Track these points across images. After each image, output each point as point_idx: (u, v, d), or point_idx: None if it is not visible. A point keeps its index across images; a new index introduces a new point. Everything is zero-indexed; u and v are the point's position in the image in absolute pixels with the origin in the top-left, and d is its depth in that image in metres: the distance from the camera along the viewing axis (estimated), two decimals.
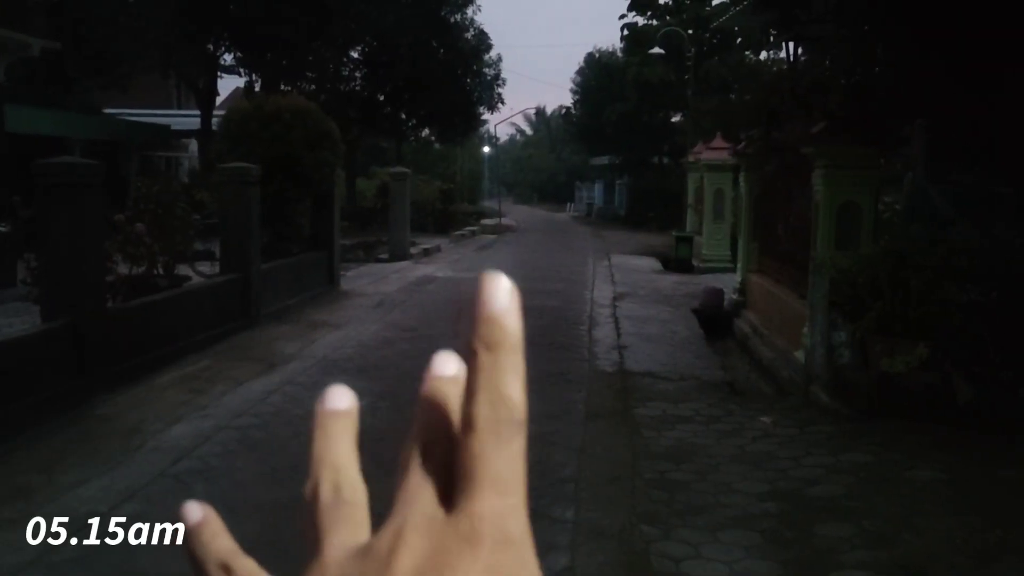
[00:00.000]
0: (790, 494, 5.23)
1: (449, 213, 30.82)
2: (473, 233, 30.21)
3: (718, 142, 19.88)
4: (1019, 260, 6.95)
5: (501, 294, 0.37)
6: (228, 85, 27.69)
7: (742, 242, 13.18)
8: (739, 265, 13.23)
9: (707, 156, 20.29)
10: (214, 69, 23.61)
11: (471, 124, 35.29)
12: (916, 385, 6.70)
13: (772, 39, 22.08)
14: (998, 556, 4.30)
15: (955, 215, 7.96)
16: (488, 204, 50.31)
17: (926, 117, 8.51)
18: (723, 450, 6.10)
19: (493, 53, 33.70)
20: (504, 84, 33.90)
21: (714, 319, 12.50)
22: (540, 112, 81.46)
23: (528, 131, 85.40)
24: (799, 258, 8.97)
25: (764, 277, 11.32)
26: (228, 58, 24.13)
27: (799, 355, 8.14)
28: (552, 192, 68.68)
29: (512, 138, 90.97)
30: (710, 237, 20.12)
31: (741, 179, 13.62)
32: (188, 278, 10.40)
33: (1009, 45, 7.57)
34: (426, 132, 35.52)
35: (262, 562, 0.41)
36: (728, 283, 13.96)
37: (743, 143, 13.39)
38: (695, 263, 19.58)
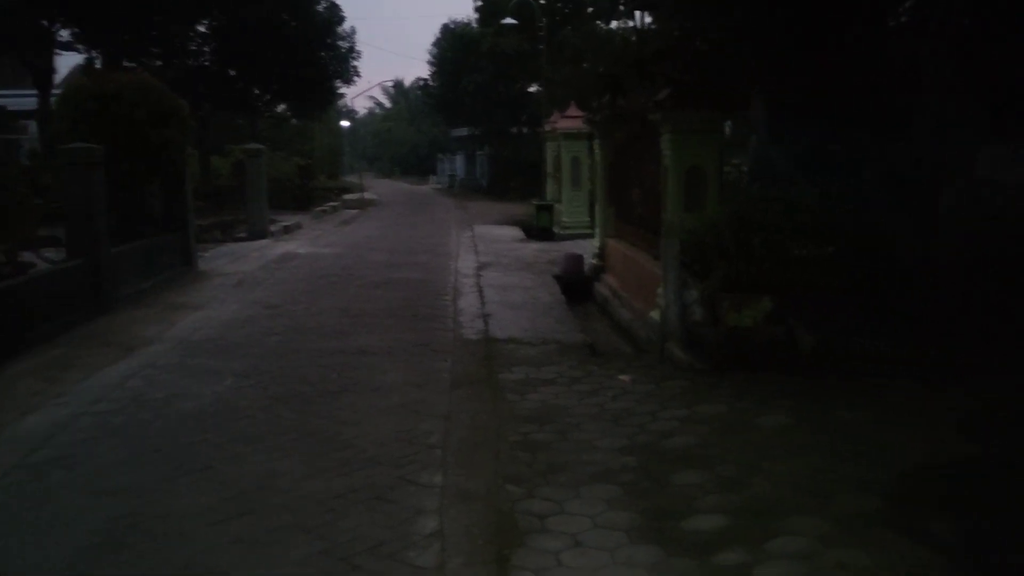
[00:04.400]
0: (648, 447, 5.45)
1: (308, 189, 30.32)
2: (335, 209, 29.82)
3: (573, 111, 20.22)
4: (852, 216, 7.38)
5: None
6: (69, 62, 26.35)
7: (599, 208, 13.49)
8: (597, 231, 13.54)
9: (563, 125, 20.61)
10: (50, 45, 22.40)
11: (327, 98, 34.68)
12: (762, 337, 7.06)
13: (622, 8, 22.51)
14: (838, 492, 4.59)
15: (795, 174, 8.36)
16: (349, 179, 49.65)
17: (765, 82, 8.87)
18: (584, 409, 6.30)
19: (347, 25, 33.18)
20: (359, 57, 33.42)
21: (575, 284, 12.79)
22: (398, 85, 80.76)
23: (387, 104, 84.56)
24: (652, 222, 9.27)
25: (621, 242, 11.64)
26: (66, 34, 22.92)
27: (655, 315, 8.43)
28: (414, 165, 68.36)
29: (371, 112, 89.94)
30: (569, 204, 20.49)
31: (595, 147, 13.91)
32: (33, 265, 9.93)
33: (839, 12, 7.98)
34: (281, 107, 34.72)
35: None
36: (588, 249, 14.27)
37: (595, 111, 13.68)
38: (556, 230, 19.91)
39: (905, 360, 6.54)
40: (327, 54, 31.70)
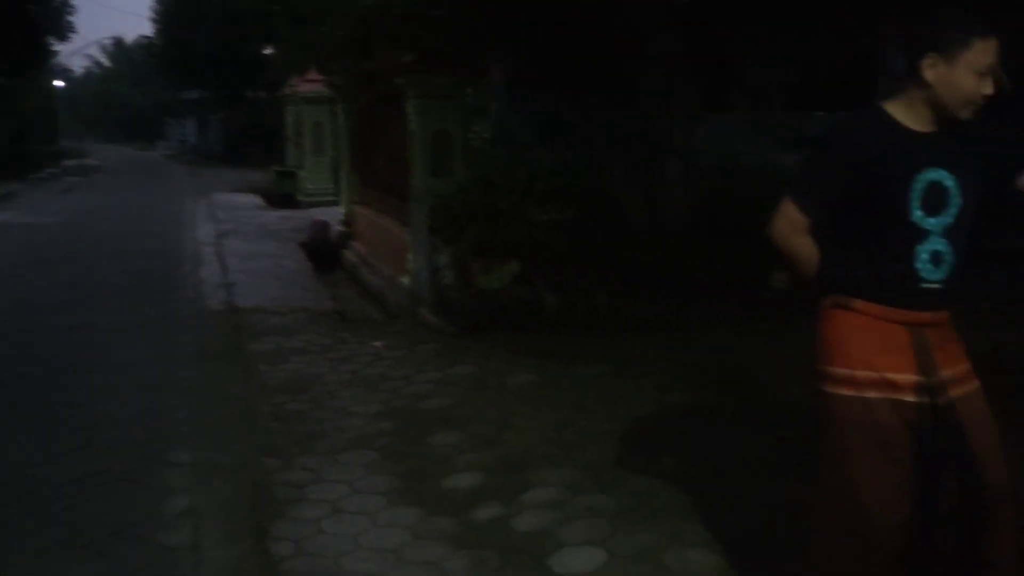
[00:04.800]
0: (403, 411, 5.52)
1: (22, 155, 27.86)
2: (54, 176, 27.61)
3: (314, 74, 19.75)
4: (590, 182, 7.77)
5: None
6: None
7: (344, 174, 13.35)
8: (343, 197, 13.40)
9: (304, 89, 20.11)
10: None
11: (38, 56, 31.91)
12: (510, 299, 7.31)
13: None
14: (584, 443, 4.86)
15: (534, 142, 8.68)
16: (68, 144, 45.98)
17: (501, 51, 9.11)
18: (338, 377, 6.27)
19: None
20: (75, 12, 30.96)
21: (321, 252, 12.61)
22: (119, 42, 75.41)
23: (107, 63, 78.80)
24: (399, 188, 9.30)
25: (368, 208, 11.59)
26: None
27: (405, 280, 8.50)
28: (141, 129, 64.35)
29: (90, 72, 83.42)
30: (312, 171, 20.08)
31: (339, 111, 13.72)
32: None
33: None
34: None
35: None
36: (334, 216, 14.10)
37: (337, 75, 13.47)
38: (300, 198, 19.49)
39: (640, 317, 7.00)
40: (36, 7, 29.11)
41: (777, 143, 8.51)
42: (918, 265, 2.52)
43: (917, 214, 2.51)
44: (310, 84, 19.78)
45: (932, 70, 2.47)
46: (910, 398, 2.54)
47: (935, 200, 2.51)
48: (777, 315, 6.91)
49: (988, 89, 2.46)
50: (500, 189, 7.55)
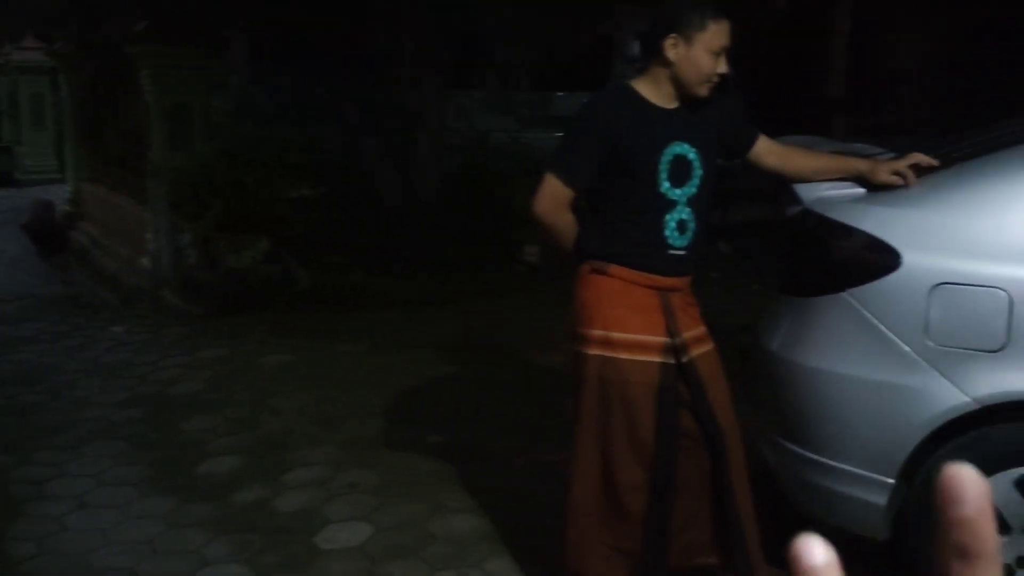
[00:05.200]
0: (152, 397, 5.25)
1: None
2: None
3: (31, 42, 18.11)
4: (342, 157, 7.68)
5: (972, 492, 0.31)
6: None
7: (69, 150, 12.38)
8: (69, 175, 12.43)
9: (18, 58, 18.41)
10: None
11: None
12: (260, 277, 7.10)
13: None
14: (343, 419, 4.83)
15: (281, 116, 8.45)
16: None
17: (246, 21, 8.79)
18: (77, 365, 5.85)
19: None
20: None
21: (46, 234, 11.63)
22: None
23: None
24: (135, 163, 8.75)
25: (99, 185, 10.81)
26: None
27: (145, 261, 8.03)
28: None
29: None
30: (32, 147, 18.45)
31: (62, 82, 12.69)
32: None
33: None
34: None
35: None
36: (59, 195, 13.05)
37: (60, 43, 12.44)
38: (18, 176, 17.88)
39: (397, 293, 7.02)
40: None
41: (522, 121, 8.78)
42: (666, 233, 2.71)
43: (665, 185, 2.69)
44: (26, 52, 18.13)
45: (674, 50, 2.65)
46: (657, 358, 2.73)
47: (680, 172, 2.71)
48: (529, 286, 7.17)
49: (722, 67, 2.68)
50: (246, 164, 7.29)
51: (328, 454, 4.41)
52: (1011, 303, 2.52)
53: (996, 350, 2.54)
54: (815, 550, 0.35)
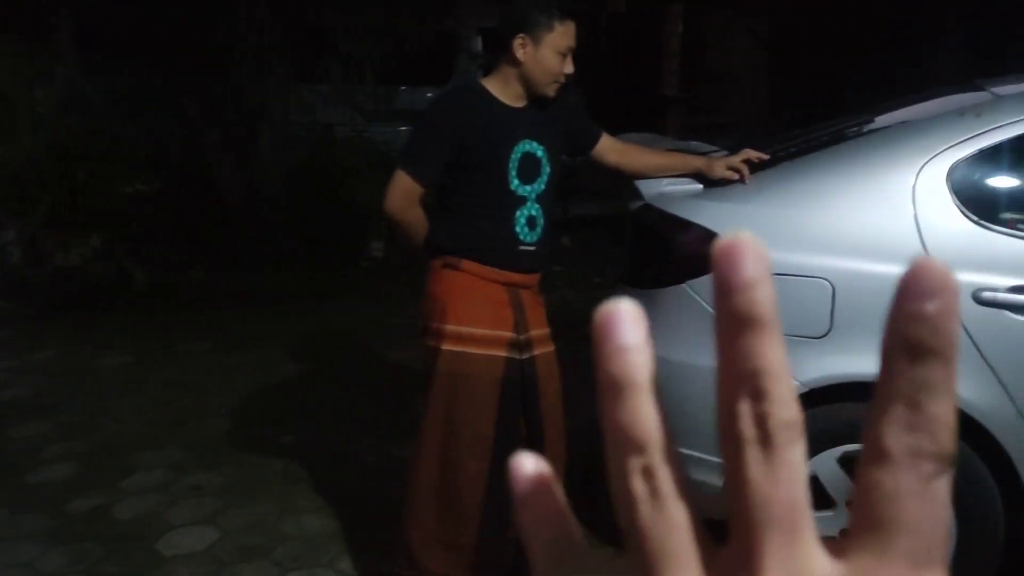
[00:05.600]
0: None
1: None
2: None
3: None
4: (181, 152, 7.42)
5: (939, 285, 0.27)
6: None
7: None
8: None
9: None
10: None
11: None
12: (93, 276, 6.79)
13: None
14: (185, 421, 4.70)
15: (112, 109, 8.08)
16: None
17: (73, 8, 8.37)
18: None
19: None
20: None
21: None
22: None
23: None
24: None
25: None
26: None
27: None
28: None
29: None
30: None
31: None
32: None
33: None
34: None
35: None
36: None
37: None
38: None
39: (241, 291, 6.85)
40: None
41: (366, 115, 8.72)
42: (517, 229, 2.77)
43: (515, 182, 2.75)
44: None
45: (522, 50, 2.71)
46: (503, 353, 2.79)
47: (529, 169, 2.77)
48: (375, 282, 7.14)
49: (569, 68, 2.75)
50: (78, 157, 6.95)
51: (170, 457, 4.28)
52: (834, 292, 2.71)
53: (821, 336, 2.73)
54: (526, 462, 0.32)
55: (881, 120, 3.23)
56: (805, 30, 10.36)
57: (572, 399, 3.40)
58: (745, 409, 0.28)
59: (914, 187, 2.74)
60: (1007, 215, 2.75)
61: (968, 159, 2.74)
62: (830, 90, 9.28)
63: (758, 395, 0.28)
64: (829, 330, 2.72)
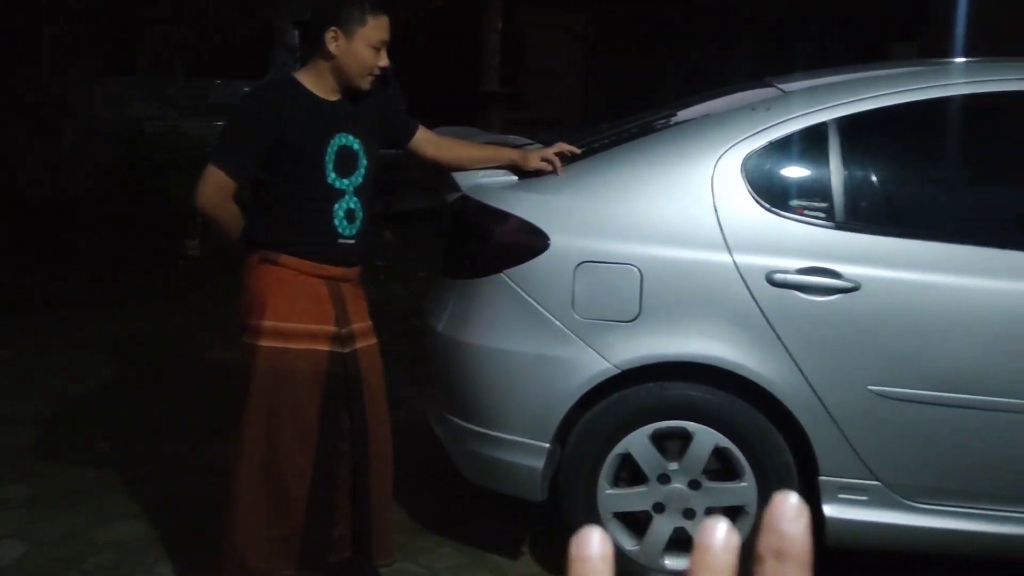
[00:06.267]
0: None
1: None
2: None
3: None
4: None
5: (796, 514, 0.38)
6: None
7: None
8: None
9: None
10: None
11: None
12: None
13: None
14: None
15: None
16: None
17: None
18: None
19: None
20: None
21: None
22: None
23: None
24: None
25: None
26: None
27: None
28: None
29: None
30: None
31: None
32: None
33: None
34: None
35: None
36: None
37: None
38: None
39: (50, 294, 6.48)
40: None
41: (180, 109, 8.41)
42: (335, 222, 2.77)
43: (332, 176, 2.75)
44: None
45: (334, 43, 2.71)
46: (325, 347, 2.79)
47: (345, 162, 2.78)
48: (191, 281, 6.92)
49: (383, 61, 2.77)
50: None
51: None
52: (642, 278, 2.85)
53: (631, 320, 2.86)
54: (593, 539, 0.40)
55: (683, 114, 3.41)
56: (619, 28, 10.73)
57: (396, 392, 3.44)
58: None
59: (712, 177, 2.91)
60: (796, 202, 2.96)
61: (760, 151, 2.93)
62: (644, 85, 9.66)
63: None
64: (639, 314, 2.85)
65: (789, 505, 0.38)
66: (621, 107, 7.04)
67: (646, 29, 10.42)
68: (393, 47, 2.82)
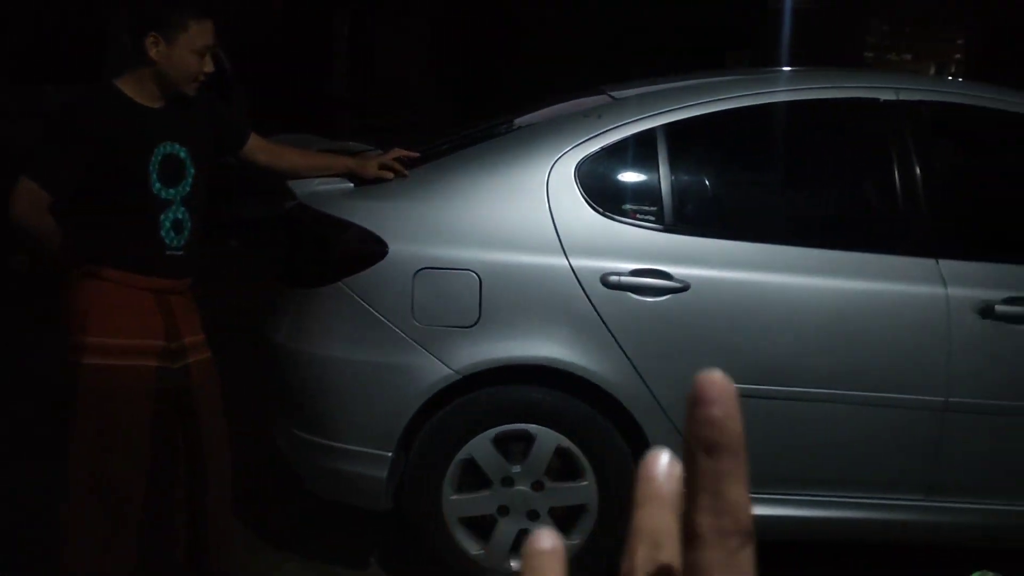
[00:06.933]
0: None
1: None
2: None
3: None
4: None
5: (720, 394, 0.34)
6: None
7: None
8: None
9: None
10: None
11: None
12: None
13: None
14: None
15: None
16: None
17: None
18: None
19: None
20: None
21: None
22: None
23: None
24: None
25: None
26: None
27: None
28: None
29: None
30: None
31: None
32: None
33: None
34: None
35: None
36: None
37: None
38: None
39: None
40: None
41: (7, 116, 7.96)
42: (162, 233, 2.67)
43: (156, 186, 2.65)
44: None
45: (155, 48, 2.61)
46: (153, 363, 2.69)
47: (171, 172, 2.68)
48: (20, 298, 6.55)
49: (208, 67, 2.69)
50: None
51: None
52: (481, 283, 2.87)
53: (472, 325, 2.88)
54: (544, 537, 0.37)
55: (520, 121, 3.45)
56: (465, 36, 10.80)
57: (238, 407, 3.35)
58: (705, 514, 0.34)
59: (547, 183, 2.96)
60: (628, 206, 3.04)
61: (592, 156, 3.00)
62: (490, 92, 9.74)
63: (718, 505, 0.34)
64: (479, 319, 2.87)
65: (714, 385, 0.34)
66: (470, 114, 7.08)
67: (490, 38, 10.52)
68: (237, 52, 2.74)
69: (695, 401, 0.34)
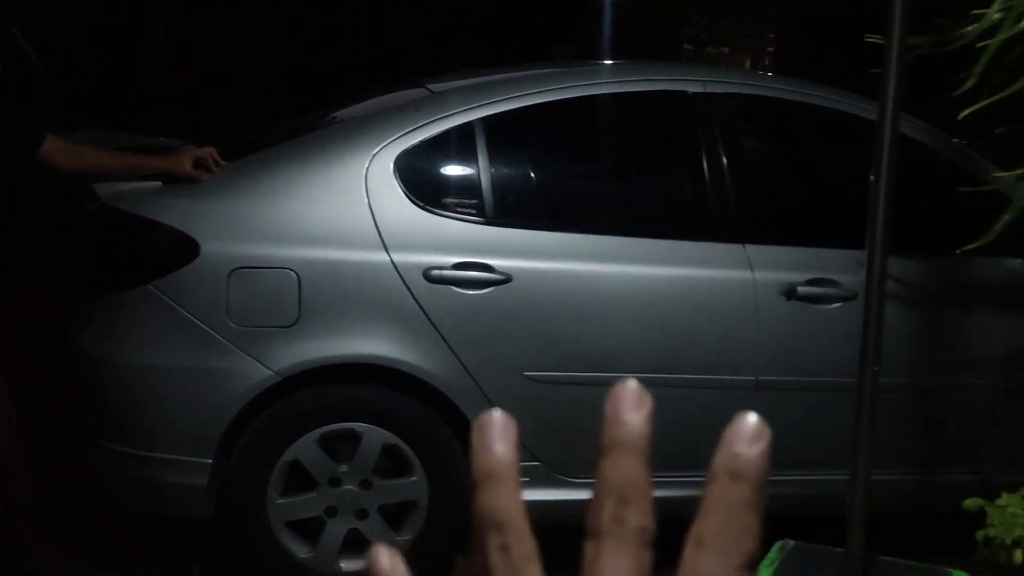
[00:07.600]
0: None
1: None
2: None
3: None
4: None
5: (751, 430, 0.35)
6: None
7: None
8: None
9: None
10: None
11: None
12: None
13: None
14: None
15: None
16: None
17: None
18: None
19: None
20: None
21: None
22: None
23: None
24: None
25: None
26: None
27: None
28: None
29: None
30: None
31: None
32: None
33: None
34: None
35: None
36: None
37: None
38: None
39: None
40: None
41: None
42: None
43: None
44: None
45: None
46: None
47: None
48: None
49: None
50: None
51: None
52: (300, 282, 2.80)
53: (291, 325, 2.80)
54: (381, 555, 0.36)
55: (337, 114, 3.39)
56: (296, 26, 10.55)
57: (39, 422, 3.16)
58: (609, 510, 0.34)
59: (366, 177, 2.91)
60: (448, 199, 3.04)
61: (411, 150, 2.98)
62: (320, 84, 9.55)
63: (622, 501, 0.34)
64: (298, 318, 2.80)
65: (747, 425, 0.35)
66: (301, 106, 6.90)
67: (319, 28, 10.31)
68: (47, 46, 2.57)
69: (729, 436, 0.36)
